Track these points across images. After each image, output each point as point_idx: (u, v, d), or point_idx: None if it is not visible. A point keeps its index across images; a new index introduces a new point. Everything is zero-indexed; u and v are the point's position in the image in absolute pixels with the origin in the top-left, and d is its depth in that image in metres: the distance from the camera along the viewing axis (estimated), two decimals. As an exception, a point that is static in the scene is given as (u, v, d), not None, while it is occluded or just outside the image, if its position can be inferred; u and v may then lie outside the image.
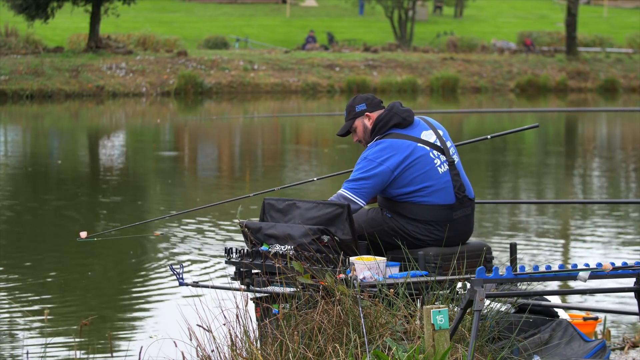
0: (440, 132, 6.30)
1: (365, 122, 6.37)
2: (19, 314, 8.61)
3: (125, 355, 7.29)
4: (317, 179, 8.10)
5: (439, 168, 6.19)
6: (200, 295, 5.83)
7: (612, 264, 5.07)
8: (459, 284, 5.74)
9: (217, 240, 11.74)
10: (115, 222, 13.29)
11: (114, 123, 29.75)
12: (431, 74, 40.50)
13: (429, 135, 6.25)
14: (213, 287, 6.40)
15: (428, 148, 6.20)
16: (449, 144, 6.29)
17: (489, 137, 7.65)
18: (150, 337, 7.46)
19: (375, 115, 6.35)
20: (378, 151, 6.19)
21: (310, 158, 20.41)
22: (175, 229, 12.46)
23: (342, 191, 6.20)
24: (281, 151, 21.68)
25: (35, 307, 8.80)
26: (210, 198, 15.48)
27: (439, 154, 6.22)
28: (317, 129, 27.14)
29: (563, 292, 5.77)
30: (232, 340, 5.24)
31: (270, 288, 5.97)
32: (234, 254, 6.27)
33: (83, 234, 7.10)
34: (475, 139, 7.99)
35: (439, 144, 6.24)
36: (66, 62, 35.77)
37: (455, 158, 6.28)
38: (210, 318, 5.35)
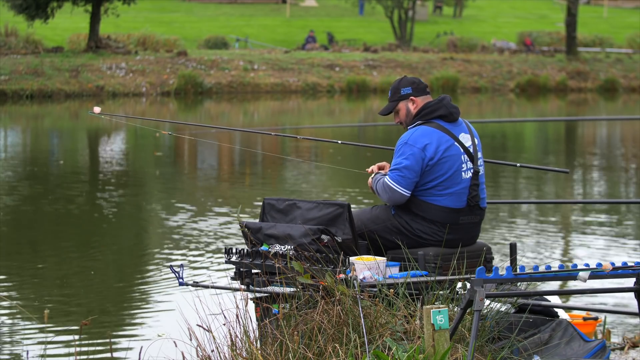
0: (476, 141, 6.35)
1: (409, 106, 6.39)
2: (19, 314, 8.61)
3: (126, 355, 7.28)
4: (341, 143, 8.06)
5: (463, 173, 6.22)
6: (200, 295, 5.83)
7: (612, 264, 5.07)
8: (459, 284, 5.74)
9: (218, 240, 11.74)
10: (116, 219, 13.30)
11: (114, 123, 29.73)
12: (431, 74, 40.47)
13: (466, 139, 6.29)
14: (213, 287, 6.41)
15: (462, 150, 6.24)
16: (479, 154, 6.33)
17: (517, 165, 8.00)
18: (159, 336, 7.46)
19: (419, 100, 6.37)
20: (419, 136, 6.21)
21: (311, 155, 20.40)
22: (176, 228, 12.46)
23: (386, 179, 6.21)
24: (282, 149, 21.67)
25: (35, 307, 8.80)
26: (211, 192, 15.48)
27: (468, 159, 6.25)
28: (318, 129, 27.12)
29: (563, 292, 5.77)
30: (232, 340, 5.24)
31: (270, 288, 5.98)
32: (234, 254, 6.27)
33: (97, 109, 7.16)
34: (502, 161, 8.18)
35: (471, 150, 6.28)
36: (66, 62, 35.76)
37: (481, 170, 6.31)
38: (210, 318, 5.35)
